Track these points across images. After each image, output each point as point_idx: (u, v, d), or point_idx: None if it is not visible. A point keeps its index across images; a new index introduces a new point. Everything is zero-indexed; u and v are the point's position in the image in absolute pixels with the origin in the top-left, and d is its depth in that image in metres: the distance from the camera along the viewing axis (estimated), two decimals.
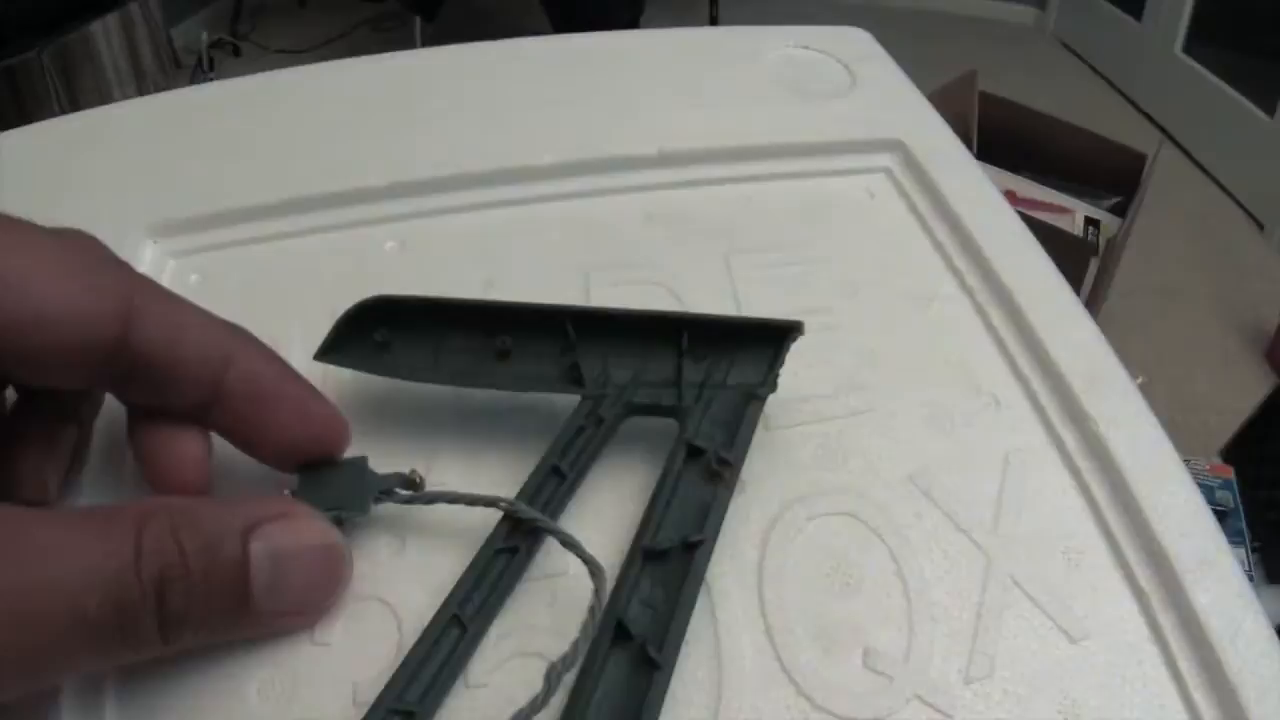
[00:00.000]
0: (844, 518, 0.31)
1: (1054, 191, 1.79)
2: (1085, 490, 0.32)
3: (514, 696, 0.27)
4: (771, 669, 0.28)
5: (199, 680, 0.28)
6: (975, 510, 0.32)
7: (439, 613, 0.28)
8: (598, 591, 0.27)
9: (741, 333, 0.33)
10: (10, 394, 0.32)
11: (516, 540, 0.29)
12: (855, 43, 0.54)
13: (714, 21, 2.83)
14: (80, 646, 0.25)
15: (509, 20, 3.15)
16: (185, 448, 0.31)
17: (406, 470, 0.31)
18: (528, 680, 0.28)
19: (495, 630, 0.29)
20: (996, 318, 0.38)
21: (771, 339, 0.33)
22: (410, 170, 0.43)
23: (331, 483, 0.31)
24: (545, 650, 0.28)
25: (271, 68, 0.53)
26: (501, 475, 0.32)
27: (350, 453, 0.32)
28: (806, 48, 0.53)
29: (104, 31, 2.55)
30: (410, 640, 0.28)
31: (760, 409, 0.32)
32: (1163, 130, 2.69)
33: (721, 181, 0.44)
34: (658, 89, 0.49)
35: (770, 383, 0.32)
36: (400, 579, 0.30)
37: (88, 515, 0.26)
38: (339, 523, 0.30)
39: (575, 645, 0.26)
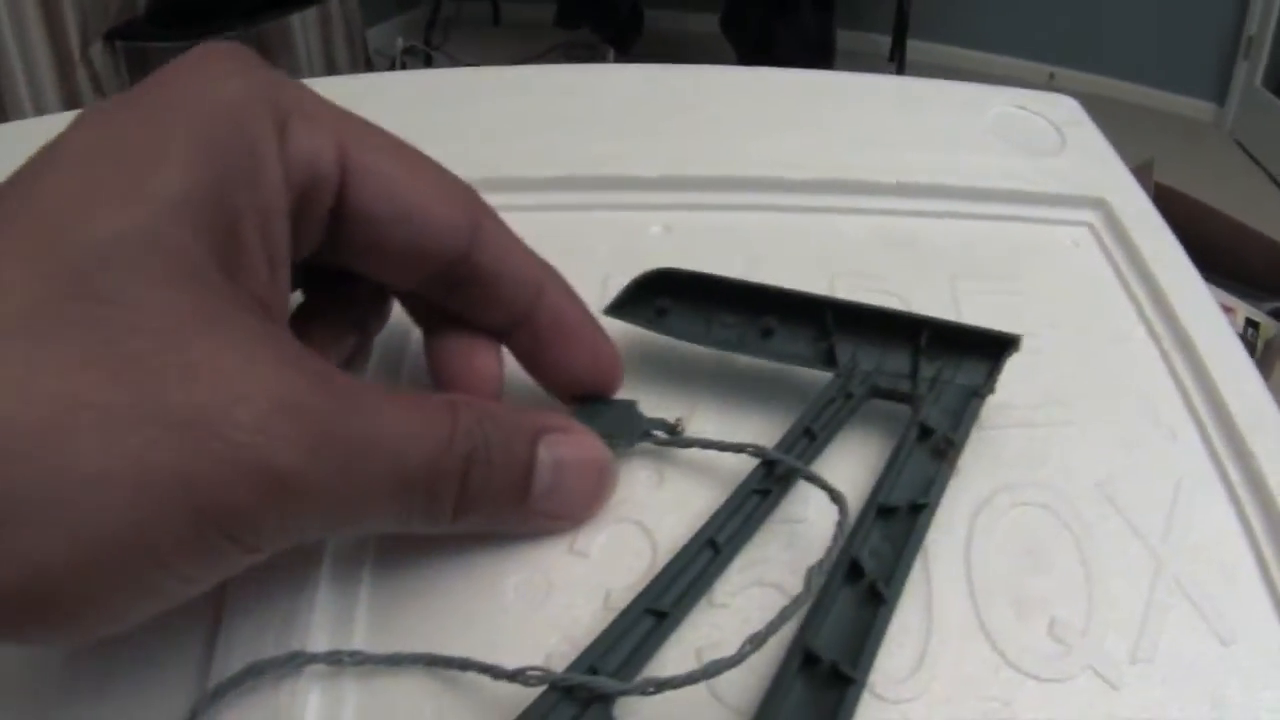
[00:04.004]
0: (1040, 509, 0.35)
1: (1218, 289, 1.78)
2: (1244, 518, 0.35)
3: (750, 618, 0.31)
4: (972, 625, 0.32)
5: (459, 572, 0.32)
6: (1150, 521, 0.35)
7: (697, 534, 0.32)
8: (841, 520, 0.31)
9: (970, 339, 0.37)
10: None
11: (770, 484, 0.34)
12: (1066, 109, 0.58)
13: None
14: (389, 505, 0.26)
15: (696, 56, 3.16)
16: (483, 361, 0.33)
17: (671, 418, 0.35)
18: (764, 605, 0.32)
19: (739, 560, 0.33)
20: (1179, 363, 0.41)
21: (994, 348, 0.37)
22: (679, 167, 0.49)
23: (604, 416, 0.34)
24: (781, 583, 0.32)
25: None
26: (753, 429, 0.37)
27: (622, 395, 0.35)
28: (1023, 108, 0.57)
29: (302, 24, 2.63)
30: (663, 559, 0.32)
31: (980, 406, 0.36)
32: None
33: (946, 215, 0.48)
34: (893, 127, 0.54)
35: (990, 385, 0.37)
36: (657, 508, 0.34)
37: (405, 394, 0.29)
38: None
39: (827, 555, 0.30)
